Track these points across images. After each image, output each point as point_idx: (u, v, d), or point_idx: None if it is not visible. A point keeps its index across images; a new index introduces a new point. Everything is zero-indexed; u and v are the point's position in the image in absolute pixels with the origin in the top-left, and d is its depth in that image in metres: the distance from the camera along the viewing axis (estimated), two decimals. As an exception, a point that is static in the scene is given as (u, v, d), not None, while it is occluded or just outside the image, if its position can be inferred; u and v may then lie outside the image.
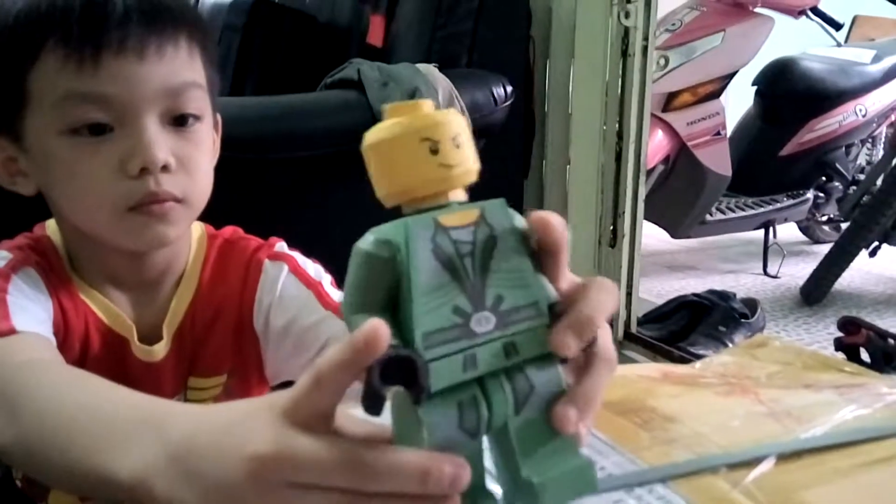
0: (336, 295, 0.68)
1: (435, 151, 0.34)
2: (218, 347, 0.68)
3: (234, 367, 0.70)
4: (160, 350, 0.65)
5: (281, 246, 0.71)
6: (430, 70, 1.48)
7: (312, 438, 0.32)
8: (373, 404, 0.31)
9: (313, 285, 0.68)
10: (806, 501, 0.40)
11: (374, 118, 1.36)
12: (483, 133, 1.50)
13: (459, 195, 0.36)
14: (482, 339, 0.34)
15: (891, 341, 1.94)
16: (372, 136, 0.35)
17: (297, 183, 1.35)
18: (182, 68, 0.59)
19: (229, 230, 0.71)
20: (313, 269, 0.70)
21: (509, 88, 1.55)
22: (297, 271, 0.69)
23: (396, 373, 0.31)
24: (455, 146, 0.35)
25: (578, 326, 0.34)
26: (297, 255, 0.71)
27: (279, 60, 2.02)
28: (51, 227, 0.66)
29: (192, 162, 0.60)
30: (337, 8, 1.97)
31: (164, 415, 0.40)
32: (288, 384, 0.72)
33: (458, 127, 0.35)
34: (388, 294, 0.34)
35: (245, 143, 1.35)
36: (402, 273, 0.33)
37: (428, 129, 0.34)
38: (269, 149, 1.33)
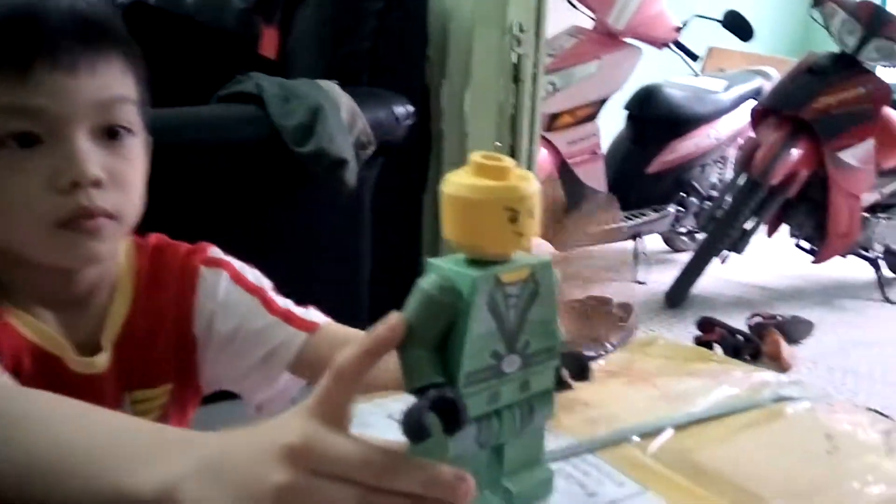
0: (280, 301, 0.70)
1: (514, 220, 0.37)
2: (159, 357, 0.68)
3: (175, 375, 0.69)
4: (101, 362, 0.64)
5: (215, 251, 0.71)
6: (331, 87, 1.47)
7: (339, 435, 0.36)
8: (416, 434, 0.35)
9: (257, 291, 0.70)
10: (698, 460, 0.52)
11: (275, 133, 1.38)
12: (384, 150, 1.51)
13: (519, 252, 0.39)
14: (507, 378, 0.39)
15: (739, 337, 2.21)
16: (456, 188, 0.37)
17: (197, 196, 1.31)
18: (114, 83, 0.58)
19: (155, 237, 0.70)
20: (252, 274, 0.71)
21: (410, 108, 1.58)
22: (237, 278, 0.70)
23: (440, 408, 0.35)
24: (529, 216, 0.38)
25: None
26: (234, 261, 0.71)
27: (158, 68, 1.92)
28: None
29: (124, 177, 0.58)
30: (224, 14, 1.89)
31: (191, 434, 0.42)
32: (222, 396, 0.73)
33: (536, 198, 0.38)
34: (441, 331, 0.38)
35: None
36: (459, 319, 0.37)
37: (514, 200, 0.37)
38: (168, 162, 1.30)
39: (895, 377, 2.16)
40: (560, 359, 0.42)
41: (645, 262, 2.98)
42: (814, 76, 2.69)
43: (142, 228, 0.67)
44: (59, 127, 0.55)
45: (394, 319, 0.37)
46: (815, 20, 2.84)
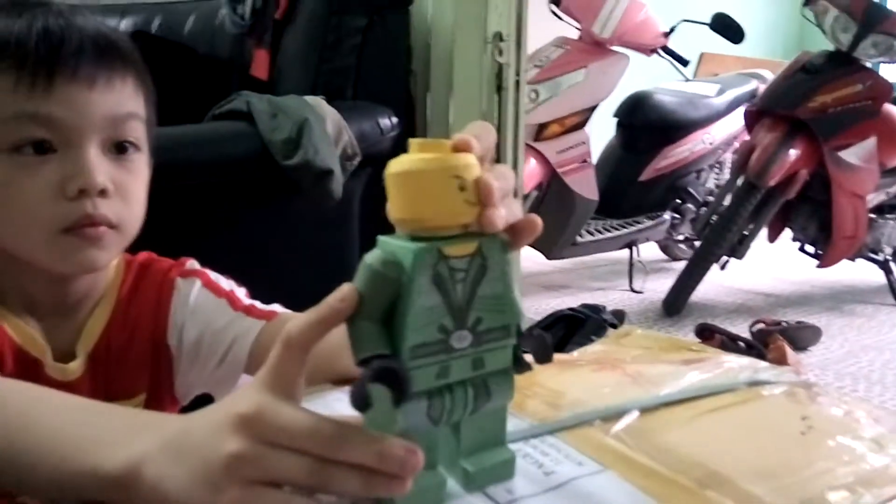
0: (247, 300, 0.71)
1: (463, 189, 0.38)
2: (134, 368, 0.69)
3: (149, 387, 0.71)
4: (75, 369, 0.65)
5: (192, 264, 0.73)
6: (318, 102, 1.53)
7: (290, 406, 0.37)
8: (360, 403, 0.36)
9: (226, 294, 0.71)
10: (662, 442, 0.49)
11: (265, 148, 1.42)
12: (370, 161, 1.56)
13: (464, 227, 0.39)
14: (457, 354, 0.39)
15: (741, 344, 2.16)
16: (402, 165, 0.38)
17: (191, 211, 1.36)
18: (127, 100, 0.62)
19: (144, 255, 0.73)
20: (226, 282, 0.73)
21: (394, 119, 1.62)
22: (209, 284, 0.71)
23: (384, 379, 0.36)
24: (475, 187, 0.38)
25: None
26: (210, 271, 0.73)
27: (158, 91, 1.99)
28: None
29: (128, 190, 0.61)
30: (217, 41, 1.99)
31: (158, 415, 0.44)
32: (198, 402, 0.74)
33: (478, 169, 0.39)
34: (387, 305, 0.38)
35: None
36: (403, 292, 0.38)
37: (460, 168, 0.38)
38: (162, 178, 1.34)
39: (906, 384, 2.09)
40: (520, 338, 0.42)
41: (641, 270, 2.95)
42: (808, 75, 2.64)
43: (137, 243, 0.70)
44: (73, 137, 0.58)
45: (345, 290, 0.38)
46: (808, 19, 2.81)
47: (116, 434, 0.42)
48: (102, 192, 0.59)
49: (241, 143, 1.44)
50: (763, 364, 0.67)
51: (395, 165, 0.39)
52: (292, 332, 0.38)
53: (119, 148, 0.61)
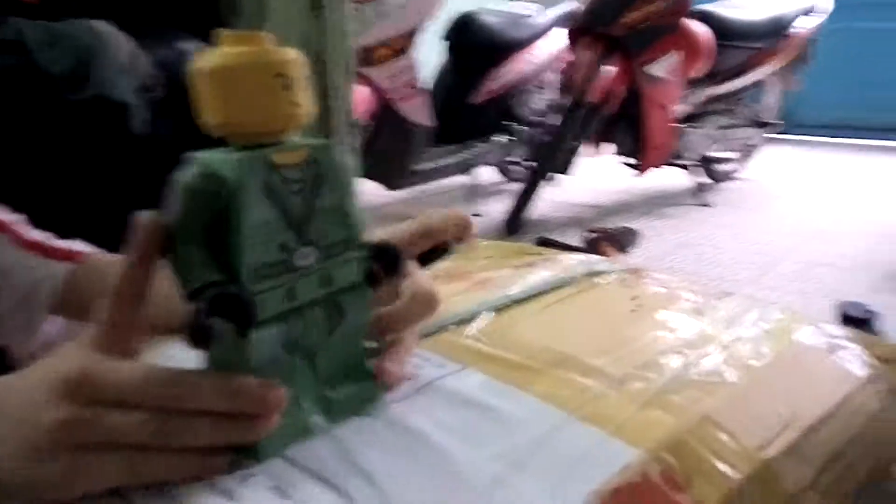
0: (36, 233, 0.62)
1: (287, 88, 0.34)
2: None
3: None
4: None
5: None
6: (106, 28, 1.39)
7: (122, 361, 0.33)
8: (201, 338, 0.32)
9: (2, 227, 0.62)
10: (514, 335, 0.51)
11: (45, 82, 1.27)
12: (178, 91, 1.46)
13: (291, 134, 0.36)
14: (303, 273, 0.36)
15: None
16: (212, 61, 0.34)
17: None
18: None
19: None
20: None
21: (199, 43, 1.52)
22: None
23: (223, 308, 0.32)
24: (302, 87, 0.35)
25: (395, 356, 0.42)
26: None
27: None
28: None
29: None
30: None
31: None
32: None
33: (305, 69, 0.35)
34: (209, 226, 0.34)
35: None
36: (230, 208, 0.33)
37: (283, 64, 0.34)
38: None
39: (715, 271, 2.36)
40: (368, 251, 0.39)
41: (481, 193, 3.01)
42: (621, -8, 2.77)
43: None
44: None
45: (143, 220, 0.33)
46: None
47: None
48: None
49: (14, 78, 1.29)
50: (596, 258, 0.70)
51: (204, 61, 0.34)
52: (116, 282, 0.34)
53: None
